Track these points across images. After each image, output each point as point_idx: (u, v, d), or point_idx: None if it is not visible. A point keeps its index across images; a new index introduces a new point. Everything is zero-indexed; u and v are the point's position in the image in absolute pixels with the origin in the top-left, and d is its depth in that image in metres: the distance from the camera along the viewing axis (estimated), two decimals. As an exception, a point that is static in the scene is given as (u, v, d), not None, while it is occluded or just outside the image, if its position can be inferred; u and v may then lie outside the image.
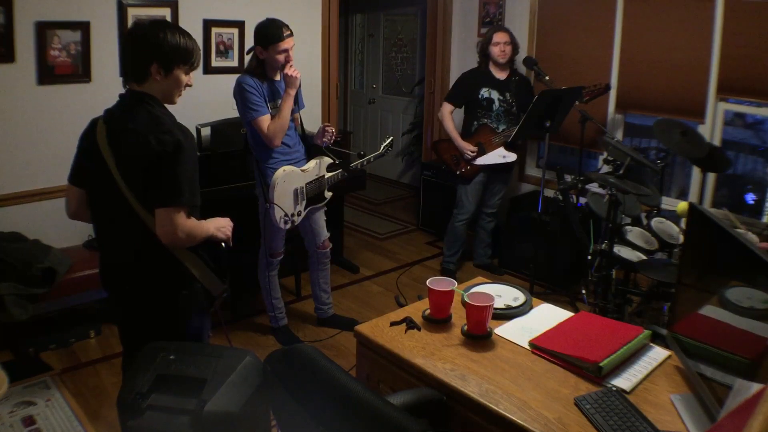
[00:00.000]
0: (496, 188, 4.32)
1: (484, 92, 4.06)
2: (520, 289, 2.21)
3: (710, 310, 1.67)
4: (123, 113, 1.89)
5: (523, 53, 4.43)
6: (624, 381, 1.69)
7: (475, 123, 4.12)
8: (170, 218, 1.82)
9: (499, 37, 4.00)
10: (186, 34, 1.91)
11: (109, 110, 1.95)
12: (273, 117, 3.03)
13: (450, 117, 4.14)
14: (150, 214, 1.86)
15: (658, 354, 1.84)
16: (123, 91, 1.93)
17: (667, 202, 3.76)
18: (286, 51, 2.97)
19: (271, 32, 2.94)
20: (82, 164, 1.98)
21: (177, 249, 1.92)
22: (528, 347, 1.86)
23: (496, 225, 4.51)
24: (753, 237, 2.54)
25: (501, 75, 4.09)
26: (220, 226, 2.04)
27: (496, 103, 4.07)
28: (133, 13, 3.51)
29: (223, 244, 2.06)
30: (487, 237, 4.49)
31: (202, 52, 3.87)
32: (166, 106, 1.94)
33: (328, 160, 3.28)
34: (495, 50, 4.00)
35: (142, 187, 1.85)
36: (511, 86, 4.10)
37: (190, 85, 1.96)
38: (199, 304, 2.05)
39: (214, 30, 3.90)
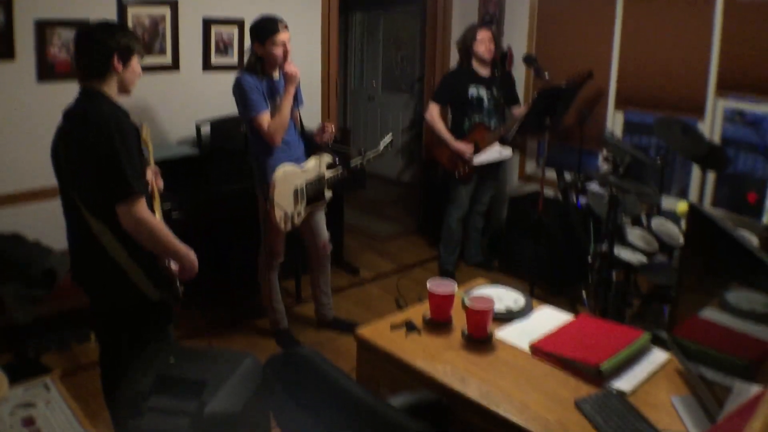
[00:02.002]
0: (488, 185, 4.35)
1: (473, 91, 4.04)
2: (520, 292, 2.21)
3: (710, 313, 1.67)
4: (72, 111, 2.01)
5: (522, 52, 4.43)
6: (624, 383, 1.69)
7: (467, 121, 4.10)
8: (128, 212, 1.91)
9: (483, 34, 3.99)
10: (130, 31, 2.10)
11: (64, 110, 2.05)
12: (273, 115, 3.02)
13: (440, 119, 4.12)
14: (91, 214, 1.96)
15: (658, 356, 1.84)
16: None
17: (667, 202, 3.76)
18: (283, 44, 2.97)
19: (266, 26, 2.95)
20: (53, 167, 2.09)
21: (115, 249, 1.98)
22: (528, 350, 1.86)
23: (485, 224, 4.56)
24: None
25: (485, 72, 4.08)
26: (191, 262, 2.09)
27: (486, 100, 4.06)
28: (133, 12, 3.50)
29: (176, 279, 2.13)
30: (479, 236, 4.55)
31: (202, 50, 3.90)
32: (123, 97, 2.07)
33: (327, 159, 3.27)
34: (481, 48, 3.98)
35: (83, 183, 1.95)
36: (496, 82, 4.10)
37: (140, 74, 2.10)
38: (142, 311, 2.09)
39: (214, 28, 3.89)
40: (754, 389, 1.28)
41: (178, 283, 2.15)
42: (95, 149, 1.89)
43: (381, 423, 1.29)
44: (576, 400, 1.60)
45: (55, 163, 2.06)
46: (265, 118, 2.99)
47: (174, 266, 2.11)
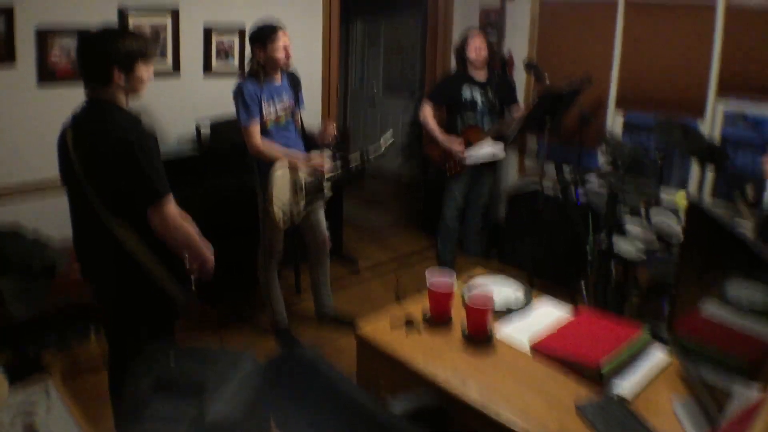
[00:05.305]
0: (484, 183, 4.36)
1: (467, 92, 4.07)
2: (520, 287, 2.20)
3: (710, 310, 1.65)
4: (85, 121, 1.99)
5: (524, 57, 4.44)
6: (625, 387, 1.68)
7: (460, 123, 4.13)
8: (159, 213, 1.95)
9: (473, 37, 4.03)
10: (135, 35, 2.06)
11: (74, 116, 2.03)
12: (274, 120, 3.08)
13: (432, 116, 4.15)
14: (113, 217, 1.96)
15: (658, 358, 1.83)
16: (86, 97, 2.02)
17: (667, 193, 3.75)
18: (284, 45, 3.01)
19: (266, 30, 3.00)
20: (60, 169, 2.08)
21: (140, 254, 2.00)
22: (529, 350, 1.86)
23: (484, 218, 4.58)
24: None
25: (481, 77, 4.10)
26: (211, 259, 2.12)
27: (479, 102, 4.08)
28: (134, 20, 3.49)
29: (192, 277, 2.14)
30: (478, 231, 4.56)
31: (203, 57, 3.89)
32: (132, 100, 2.05)
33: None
34: (471, 51, 4.01)
35: (107, 191, 1.96)
36: (492, 85, 4.12)
37: (151, 78, 2.06)
38: (157, 309, 2.13)
39: (215, 36, 3.90)
40: (755, 394, 1.27)
41: (192, 282, 2.17)
42: (119, 163, 1.90)
43: (381, 429, 1.29)
44: (577, 405, 1.59)
45: (64, 169, 2.05)
46: (253, 129, 3.02)
47: (190, 265, 2.13)
